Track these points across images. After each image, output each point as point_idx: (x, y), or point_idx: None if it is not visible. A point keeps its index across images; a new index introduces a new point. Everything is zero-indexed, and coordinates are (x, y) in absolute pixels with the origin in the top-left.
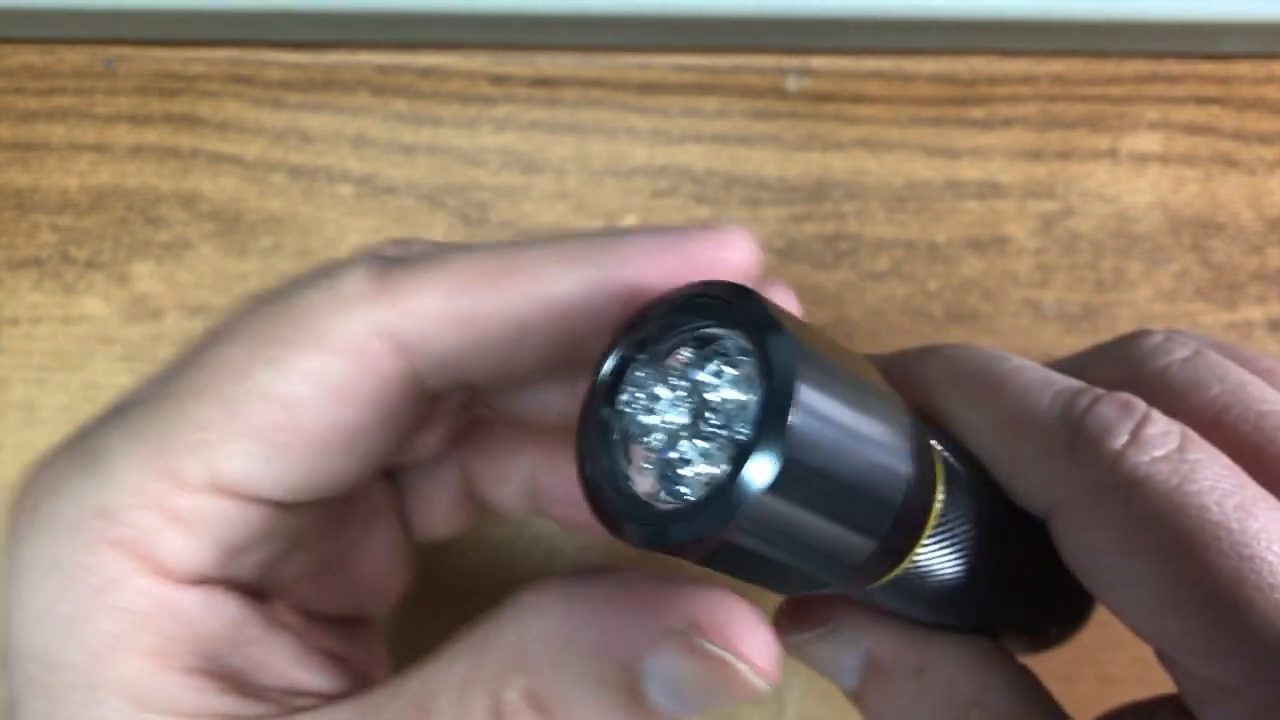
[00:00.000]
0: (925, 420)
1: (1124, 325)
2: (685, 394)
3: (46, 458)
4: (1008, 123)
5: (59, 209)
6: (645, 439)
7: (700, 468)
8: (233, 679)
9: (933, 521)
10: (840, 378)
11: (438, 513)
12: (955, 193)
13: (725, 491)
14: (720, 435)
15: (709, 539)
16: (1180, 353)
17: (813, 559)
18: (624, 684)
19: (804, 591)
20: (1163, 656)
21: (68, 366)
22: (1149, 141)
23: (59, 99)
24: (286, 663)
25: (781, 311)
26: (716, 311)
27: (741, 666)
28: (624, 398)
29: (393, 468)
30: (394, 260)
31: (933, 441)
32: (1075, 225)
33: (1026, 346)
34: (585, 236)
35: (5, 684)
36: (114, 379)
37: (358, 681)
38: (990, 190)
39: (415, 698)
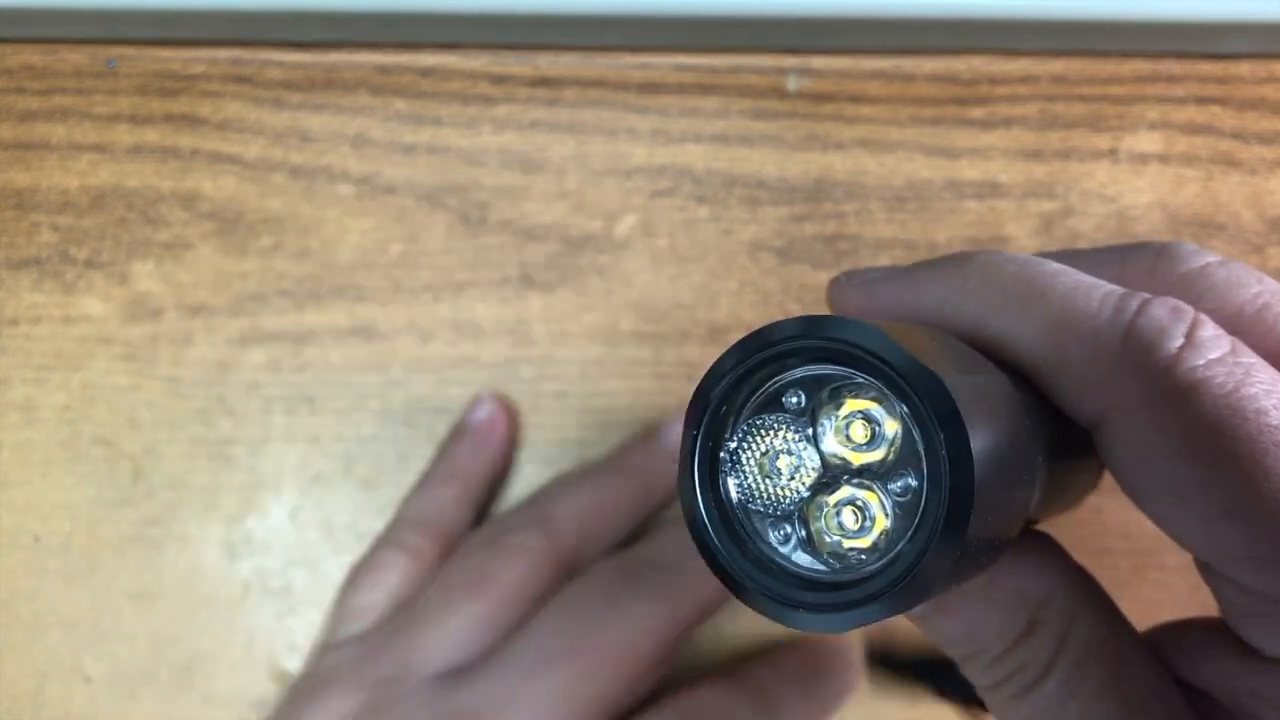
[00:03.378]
0: (977, 348)
1: None
2: (801, 445)
3: None
4: (1008, 123)
5: (59, 209)
6: (763, 497)
7: (844, 538)
8: None
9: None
10: (992, 412)
11: None
12: (955, 193)
13: (908, 573)
14: (861, 501)
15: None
16: (1213, 256)
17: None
18: None
19: None
20: (1206, 569)
21: (68, 366)
22: (1149, 141)
23: (59, 99)
24: None
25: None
26: (817, 355)
27: None
28: (728, 457)
29: None
30: None
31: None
32: (1075, 225)
33: None
34: None
35: None
36: (114, 379)
37: None
38: (990, 190)
39: None
